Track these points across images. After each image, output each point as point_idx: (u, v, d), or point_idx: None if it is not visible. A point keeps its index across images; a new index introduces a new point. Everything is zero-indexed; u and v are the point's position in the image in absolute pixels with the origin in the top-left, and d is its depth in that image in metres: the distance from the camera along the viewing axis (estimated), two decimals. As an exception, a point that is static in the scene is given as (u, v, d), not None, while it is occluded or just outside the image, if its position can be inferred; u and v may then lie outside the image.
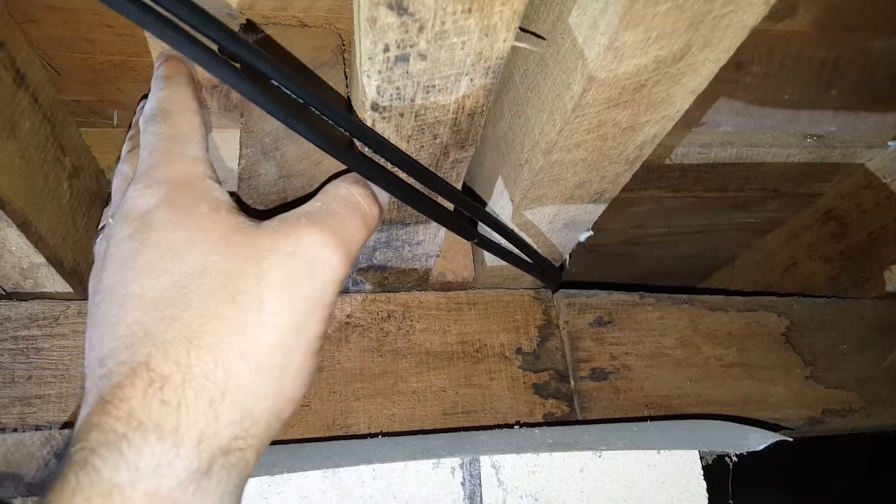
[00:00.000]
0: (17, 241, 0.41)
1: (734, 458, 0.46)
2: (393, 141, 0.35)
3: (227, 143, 0.53)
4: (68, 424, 0.42)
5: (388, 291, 0.55)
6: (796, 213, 0.84)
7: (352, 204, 0.33)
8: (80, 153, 0.51)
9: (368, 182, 0.35)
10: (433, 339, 0.54)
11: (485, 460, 0.42)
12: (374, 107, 0.32)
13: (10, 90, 0.40)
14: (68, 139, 0.49)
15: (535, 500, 0.41)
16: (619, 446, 0.43)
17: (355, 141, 0.36)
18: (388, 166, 0.36)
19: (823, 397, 0.62)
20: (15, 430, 0.38)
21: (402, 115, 0.33)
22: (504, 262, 0.52)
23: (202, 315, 0.27)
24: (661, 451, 0.43)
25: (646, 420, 0.49)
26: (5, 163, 0.39)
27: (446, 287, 0.57)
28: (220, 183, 0.33)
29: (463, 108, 0.33)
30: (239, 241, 0.29)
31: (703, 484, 0.44)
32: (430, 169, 0.38)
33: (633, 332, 0.59)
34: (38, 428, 0.39)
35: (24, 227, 0.40)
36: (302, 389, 0.30)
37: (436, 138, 0.36)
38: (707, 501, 0.44)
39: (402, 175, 0.37)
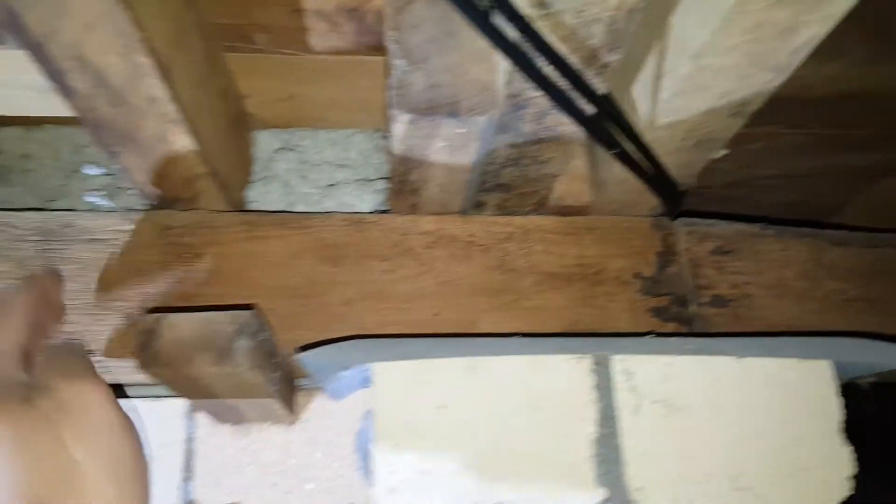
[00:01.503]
0: (189, 149, 0.44)
1: (870, 381, 0.45)
2: (549, 40, 0.36)
3: (361, 67, 0.55)
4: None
5: (508, 214, 0.57)
6: (922, 155, 0.79)
7: None
8: (225, 77, 0.54)
9: None
10: (552, 261, 0.55)
11: (617, 367, 0.44)
12: (539, 2, 0.33)
13: (181, 5, 0.43)
14: (217, 62, 0.52)
15: (668, 405, 0.42)
16: (758, 353, 0.43)
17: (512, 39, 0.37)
18: (543, 66, 0.37)
19: (954, 337, 0.59)
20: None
21: (564, 10, 0.34)
22: (623, 188, 0.53)
23: None
24: (798, 366, 0.43)
25: (781, 336, 0.48)
26: (180, 72, 0.42)
27: (564, 212, 0.57)
28: None
29: (624, 2, 0.34)
30: None
31: (839, 400, 0.43)
32: (579, 72, 0.38)
33: (753, 262, 0.58)
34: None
35: (195, 135, 0.44)
36: None
37: (590, 38, 0.36)
38: (840, 417, 0.43)
39: (553, 76, 0.38)
